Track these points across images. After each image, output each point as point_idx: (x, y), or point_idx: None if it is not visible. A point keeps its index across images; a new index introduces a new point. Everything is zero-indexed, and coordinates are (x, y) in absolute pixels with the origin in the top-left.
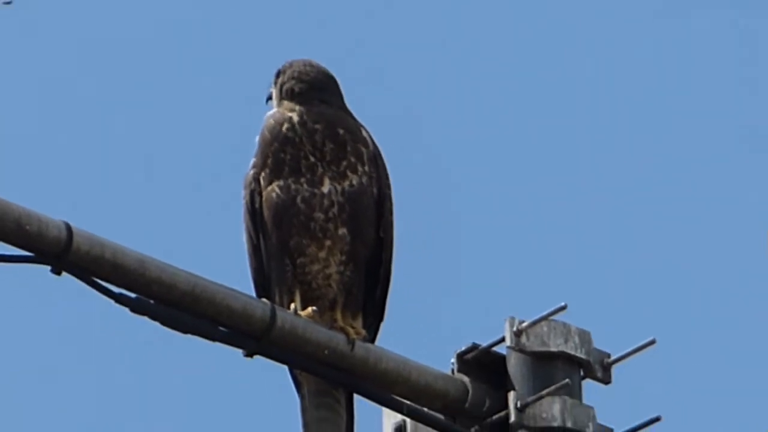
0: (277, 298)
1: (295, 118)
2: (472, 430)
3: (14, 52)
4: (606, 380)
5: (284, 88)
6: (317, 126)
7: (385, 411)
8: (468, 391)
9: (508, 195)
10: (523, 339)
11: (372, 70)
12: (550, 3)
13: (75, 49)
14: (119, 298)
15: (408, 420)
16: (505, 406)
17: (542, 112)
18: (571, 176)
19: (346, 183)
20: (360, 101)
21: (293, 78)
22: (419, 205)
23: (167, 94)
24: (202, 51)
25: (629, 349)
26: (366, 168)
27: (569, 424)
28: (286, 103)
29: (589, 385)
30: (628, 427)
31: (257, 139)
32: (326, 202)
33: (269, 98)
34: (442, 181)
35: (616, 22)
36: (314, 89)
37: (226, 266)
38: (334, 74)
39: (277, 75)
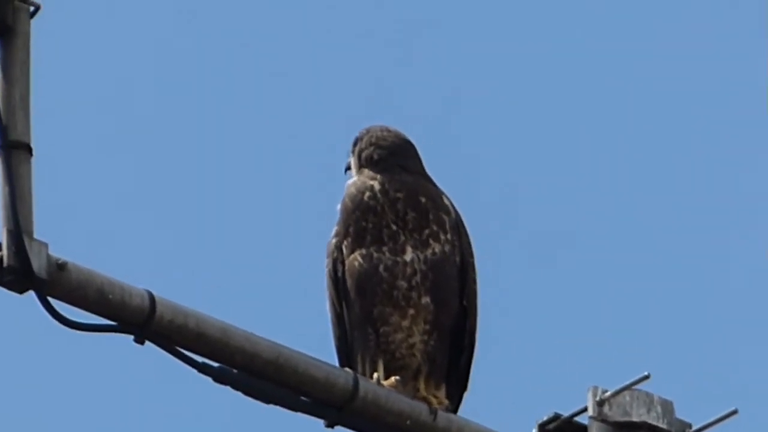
0: (360, 368)
1: (377, 186)
2: None
3: (91, 111)
4: None
5: (363, 155)
6: (399, 194)
7: None
8: None
9: (591, 263)
10: (606, 408)
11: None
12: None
13: (151, 110)
14: (202, 368)
15: None
16: None
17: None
18: (655, 245)
19: (429, 251)
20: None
21: (371, 145)
22: (501, 272)
23: (248, 161)
24: (282, 114)
25: (711, 419)
26: (448, 236)
27: None
28: (366, 170)
29: None
30: None
31: (339, 207)
32: (409, 270)
33: (348, 168)
34: (524, 246)
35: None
36: (393, 155)
37: (309, 335)
38: (412, 139)
39: (355, 143)
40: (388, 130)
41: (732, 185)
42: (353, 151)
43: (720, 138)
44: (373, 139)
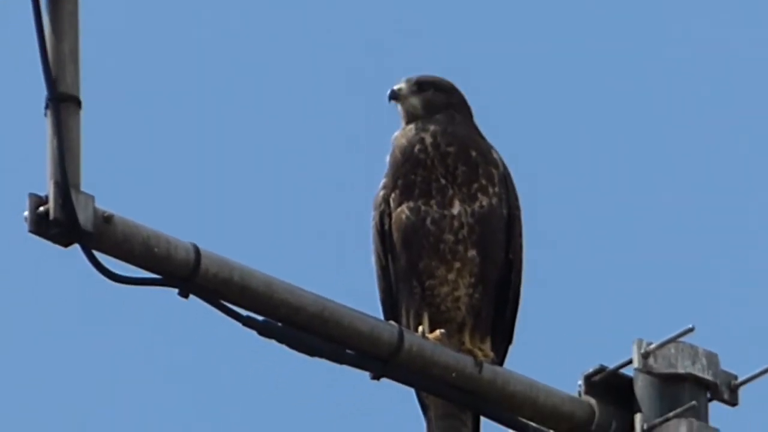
0: (404, 321)
1: (428, 139)
2: None
3: (144, 73)
4: (733, 402)
5: (411, 104)
6: (450, 149)
7: None
8: (594, 414)
9: (637, 217)
10: (651, 361)
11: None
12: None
13: (206, 67)
14: (247, 321)
15: None
16: (632, 429)
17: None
18: (700, 199)
19: (476, 205)
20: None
21: (420, 93)
22: (545, 225)
23: (300, 117)
24: (332, 77)
25: (756, 371)
26: (496, 189)
27: None
28: (418, 121)
29: (715, 407)
30: None
31: (388, 158)
32: (456, 223)
33: (393, 97)
34: (570, 201)
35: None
36: (445, 106)
37: (355, 288)
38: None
39: (420, 84)
40: (442, 81)
41: None
42: (405, 95)
43: None
44: (426, 88)
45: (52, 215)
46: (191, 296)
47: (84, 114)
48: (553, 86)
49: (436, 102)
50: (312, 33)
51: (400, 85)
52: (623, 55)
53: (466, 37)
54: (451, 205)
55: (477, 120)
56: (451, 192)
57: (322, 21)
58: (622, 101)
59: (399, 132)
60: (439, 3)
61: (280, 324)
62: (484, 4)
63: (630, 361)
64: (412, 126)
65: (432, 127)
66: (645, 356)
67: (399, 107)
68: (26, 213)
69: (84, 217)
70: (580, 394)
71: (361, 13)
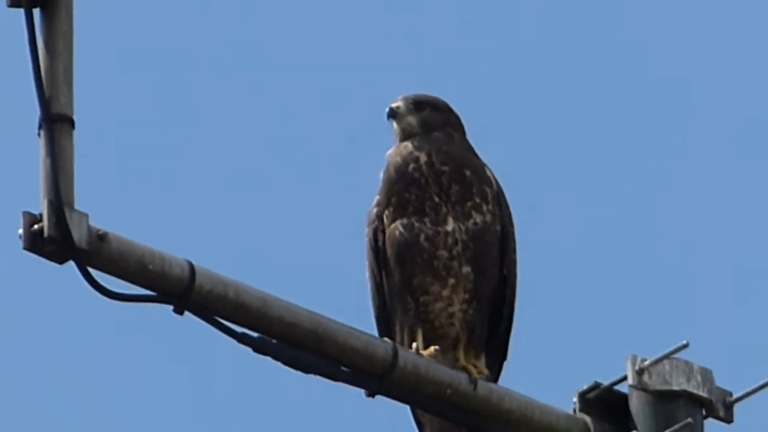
0: (399, 337)
1: (423, 158)
2: None
3: (138, 82)
4: (728, 419)
5: (408, 122)
6: (444, 168)
7: None
8: (590, 430)
9: (631, 232)
10: (645, 377)
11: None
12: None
13: (196, 85)
14: (241, 338)
15: None
16: None
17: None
18: (695, 214)
19: (470, 222)
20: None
21: (417, 112)
22: (540, 242)
23: (293, 132)
24: (326, 91)
25: (752, 388)
26: (490, 207)
27: None
28: (411, 138)
29: (711, 425)
30: None
31: (382, 175)
32: (450, 240)
33: (391, 116)
34: (561, 219)
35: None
36: (442, 125)
37: (349, 305)
38: (454, 107)
39: (418, 104)
40: (435, 99)
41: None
42: (413, 109)
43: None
44: (420, 107)
45: (46, 233)
46: (186, 313)
47: (77, 133)
48: (548, 103)
49: (433, 121)
50: (302, 56)
51: (398, 103)
52: (616, 78)
53: (459, 51)
54: (445, 222)
55: (471, 137)
56: (445, 210)
57: (312, 45)
58: (613, 119)
59: (393, 149)
60: (431, 21)
61: (275, 341)
62: (476, 20)
63: (625, 378)
64: (407, 143)
65: (427, 146)
66: (639, 373)
67: (395, 125)
68: (21, 231)
69: (78, 235)
70: (575, 411)
71: (351, 34)
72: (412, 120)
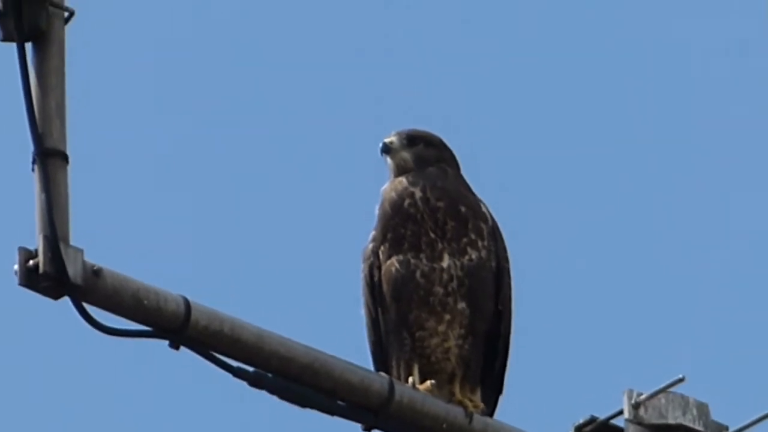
0: (395, 372)
1: (418, 194)
2: None
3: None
4: None
5: (402, 158)
6: (440, 204)
7: None
8: None
9: (626, 267)
10: (641, 411)
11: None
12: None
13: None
14: (238, 372)
15: None
16: None
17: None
18: (689, 247)
19: (466, 258)
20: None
21: (411, 147)
22: (535, 277)
23: (283, 166)
24: (313, 118)
25: (748, 421)
26: (485, 243)
27: None
28: (405, 174)
29: None
30: None
31: (377, 211)
32: (446, 276)
33: (385, 151)
34: (558, 252)
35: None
36: (436, 160)
37: (344, 340)
38: (447, 142)
39: (411, 139)
40: (429, 134)
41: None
42: (392, 151)
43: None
44: (414, 143)
45: (41, 269)
46: (182, 348)
47: (71, 168)
48: (547, 104)
49: (427, 156)
50: (301, 57)
51: (391, 138)
52: (617, 79)
53: (459, 51)
54: (440, 258)
55: (465, 172)
56: (440, 246)
57: (311, 46)
58: (612, 120)
59: (388, 184)
60: (431, 21)
61: (270, 375)
62: (476, 20)
63: (621, 412)
64: (402, 179)
65: (422, 181)
66: (636, 407)
67: (389, 160)
68: (16, 266)
69: (73, 271)
70: None
71: (351, 34)
72: (406, 155)
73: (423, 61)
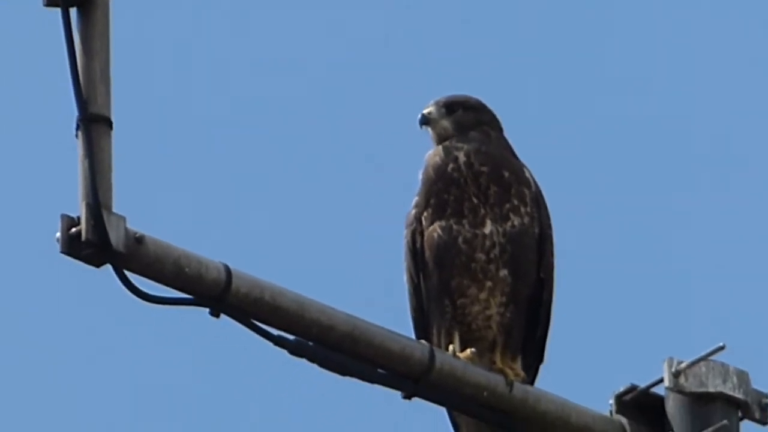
0: (435, 339)
1: (462, 158)
2: None
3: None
4: (764, 421)
5: (442, 126)
6: (483, 168)
7: None
8: None
9: (668, 235)
10: (682, 380)
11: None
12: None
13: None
14: (278, 341)
15: None
16: None
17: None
18: (730, 217)
19: (508, 224)
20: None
21: (450, 115)
22: (578, 244)
23: (321, 132)
24: (358, 98)
25: None
26: (528, 209)
27: None
28: (452, 139)
29: (747, 426)
30: None
31: (420, 176)
32: (488, 243)
33: (425, 122)
34: (600, 220)
35: None
36: (477, 124)
37: (386, 307)
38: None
39: (450, 105)
40: (474, 99)
41: None
42: (446, 113)
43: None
44: (458, 108)
45: (84, 236)
46: (222, 316)
47: (115, 135)
48: (548, 104)
49: (467, 121)
50: (302, 57)
51: (429, 108)
52: (617, 79)
53: (459, 51)
54: (483, 224)
55: (509, 135)
56: (483, 211)
57: (311, 45)
58: (613, 121)
59: (432, 150)
60: (431, 21)
61: (311, 343)
62: (476, 20)
63: (661, 380)
64: (446, 143)
65: (466, 146)
66: (676, 375)
67: (430, 131)
68: (58, 234)
69: (116, 238)
70: (611, 413)
71: (351, 34)
72: (446, 123)
73: (423, 61)
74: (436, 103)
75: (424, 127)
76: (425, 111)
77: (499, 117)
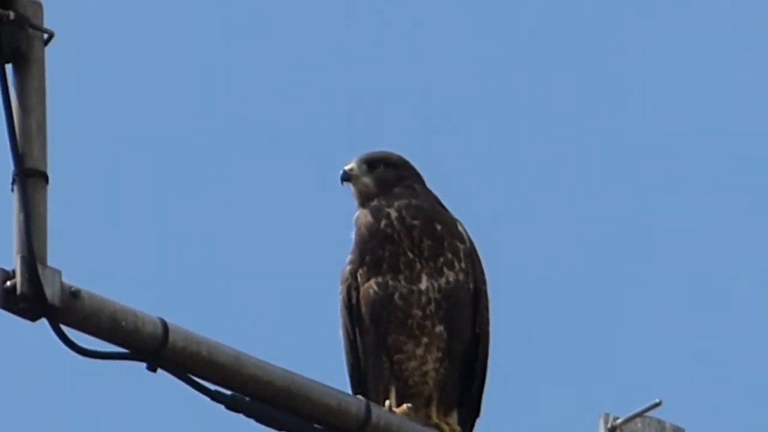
0: (372, 395)
1: (393, 213)
2: None
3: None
4: None
5: (363, 183)
6: (415, 222)
7: None
8: None
9: (603, 292)
10: None
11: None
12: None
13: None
14: (215, 395)
15: None
16: None
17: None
18: (663, 271)
19: (443, 280)
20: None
21: (371, 172)
22: (513, 301)
23: (261, 188)
24: (296, 140)
25: None
26: (462, 264)
27: None
28: (379, 197)
29: None
30: None
31: (353, 236)
32: (424, 299)
33: (346, 179)
34: (533, 275)
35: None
36: (399, 180)
37: (322, 363)
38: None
39: (371, 164)
40: (396, 155)
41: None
42: (367, 169)
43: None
44: (391, 161)
45: (19, 290)
46: (160, 370)
47: (51, 189)
48: (548, 104)
49: (389, 178)
50: (301, 57)
51: (351, 165)
52: (617, 80)
53: (459, 51)
54: (418, 280)
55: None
56: (418, 266)
57: (310, 46)
58: (613, 122)
59: (360, 211)
60: (431, 21)
61: (248, 399)
62: (476, 19)
63: None
64: (375, 202)
65: (395, 202)
66: (612, 431)
67: (352, 187)
68: None
69: (51, 292)
70: None
71: (351, 34)
72: (367, 180)
73: (422, 61)
74: (358, 160)
75: (345, 183)
76: (347, 167)
77: (420, 172)
